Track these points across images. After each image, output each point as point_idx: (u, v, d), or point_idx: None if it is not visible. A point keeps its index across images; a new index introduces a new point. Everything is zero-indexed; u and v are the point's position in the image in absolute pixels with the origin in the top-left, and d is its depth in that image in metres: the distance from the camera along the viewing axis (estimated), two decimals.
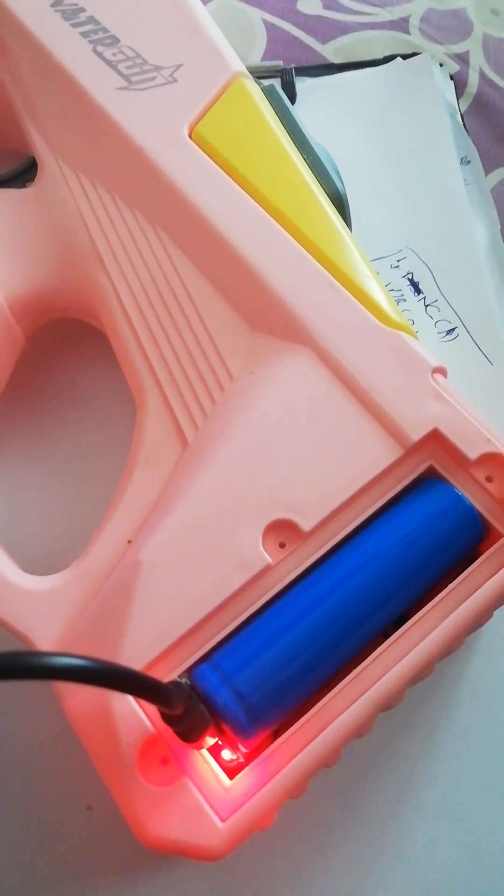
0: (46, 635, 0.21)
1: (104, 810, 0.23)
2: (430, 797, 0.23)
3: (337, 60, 0.38)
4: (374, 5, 0.40)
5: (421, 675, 0.20)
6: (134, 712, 0.19)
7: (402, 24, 0.39)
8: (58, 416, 0.27)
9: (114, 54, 0.26)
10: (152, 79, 0.26)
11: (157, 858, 0.23)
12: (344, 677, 0.19)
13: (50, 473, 0.27)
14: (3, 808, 0.24)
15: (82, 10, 0.27)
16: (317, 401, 0.21)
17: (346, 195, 0.25)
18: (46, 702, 0.24)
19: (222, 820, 0.18)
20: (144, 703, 0.19)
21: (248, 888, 0.22)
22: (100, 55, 0.26)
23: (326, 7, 0.40)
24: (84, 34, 0.27)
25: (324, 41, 0.39)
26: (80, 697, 0.19)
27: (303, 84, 0.36)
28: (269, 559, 0.20)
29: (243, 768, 0.19)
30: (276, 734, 0.19)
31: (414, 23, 0.39)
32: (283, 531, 0.20)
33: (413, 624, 0.19)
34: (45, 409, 0.27)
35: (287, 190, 0.24)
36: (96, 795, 0.23)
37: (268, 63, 0.37)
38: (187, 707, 0.17)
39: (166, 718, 0.17)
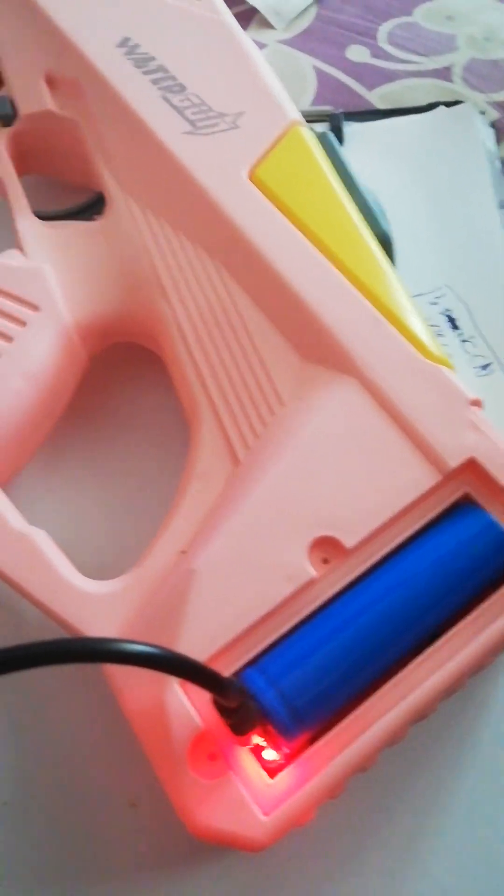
0: (104, 634, 0.22)
1: (147, 807, 0.24)
2: (458, 809, 0.24)
3: (383, 106, 0.40)
4: (419, 54, 0.42)
5: (453, 688, 0.21)
6: (186, 709, 0.20)
7: (445, 73, 0.41)
8: (115, 432, 0.29)
9: (181, 101, 0.29)
10: (216, 125, 0.28)
11: (197, 854, 0.24)
12: (380, 687, 0.21)
13: (106, 486, 0.28)
14: (47, 803, 0.25)
15: (153, 58, 0.30)
16: (361, 427, 0.23)
17: (391, 236, 0.27)
18: (92, 701, 0.26)
19: (265, 814, 0.19)
20: (196, 701, 0.20)
21: (285, 884, 0.23)
22: (168, 101, 0.29)
23: (374, 55, 0.42)
24: (154, 81, 0.29)
25: (370, 87, 0.41)
26: (136, 693, 0.21)
27: (350, 128, 0.38)
28: (313, 573, 0.22)
29: (283, 769, 0.20)
30: (313, 740, 0.21)
31: (457, 71, 0.41)
32: (326, 547, 0.22)
33: (447, 640, 0.21)
34: (105, 426, 0.29)
35: (338, 230, 0.26)
36: (140, 792, 0.25)
37: (318, 108, 0.39)
38: (241, 701, 0.18)
39: (221, 710, 0.19)
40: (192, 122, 0.28)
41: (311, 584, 0.22)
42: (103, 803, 0.25)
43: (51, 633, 0.25)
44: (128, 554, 0.25)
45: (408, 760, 0.24)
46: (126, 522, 0.28)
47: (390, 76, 0.41)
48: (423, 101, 0.39)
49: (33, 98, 0.30)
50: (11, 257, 0.27)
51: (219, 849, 0.22)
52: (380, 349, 0.24)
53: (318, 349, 0.24)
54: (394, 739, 0.20)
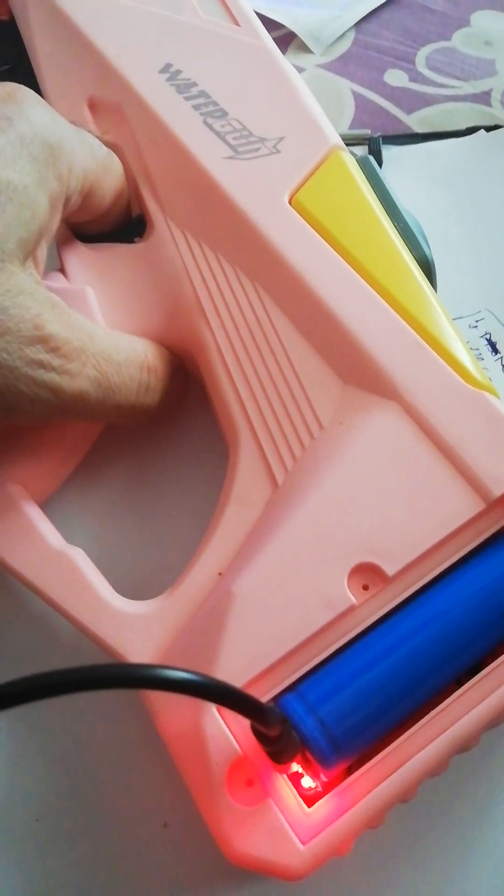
0: (140, 655, 0.22)
1: (179, 827, 0.24)
2: (500, 841, 0.23)
3: (421, 130, 0.40)
4: (458, 78, 0.42)
5: (497, 720, 0.21)
6: (224, 734, 0.20)
7: (484, 98, 0.41)
8: (153, 452, 0.29)
9: (222, 126, 0.29)
10: (257, 150, 0.28)
11: (229, 878, 0.24)
12: (420, 718, 0.20)
13: (143, 506, 0.29)
14: (80, 820, 0.25)
15: (195, 84, 0.30)
16: (403, 453, 0.23)
17: (433, 260, 0.27)
18: (126, 719, 0.26)
19: (303, 842, 0.19)
20: (233, 726, 0.20)
21: None
22: (209, 126, 0.29)
23: (412, 80, 0.42)
24: (195, 107, 0.29)
25: (409, 111, 0.41)
26: (173, 716, 0.21)
27: (388, 152, 0.38)
28: (353, 599, 0.21)
29: (321, 797, 0.20)
30: (350, 770, 0.21)
31: (496, 96, 0.41)
32: (367, 574, 0.22)
33: (491, 671, 0.21)
34: (143, 446, 0.29)
35: (379, 255, 0.26)
36: (172, 812, 0.25)
37: (356, 131, 0.39)
38: (282, 729, 0.18)
39: (260, 738, 0.19)
40: (233, 147, 0.28)
41: (350, 610, 0.21)
42: (136, 822, 0.25)
43: (85, 650, 0.25)
44: (163, 574, 0.25)
45: (449, 791, 0.24)
46: (162, 543, 0.28)
47: (428, 100, 0.41)
48: (462, 126, 0.39)
49: (76, 122, 0.30)
50: (54, 279, 0.28)
51: (253, 873, 0.22)
52: (422, 374, 0.24)
53: (359, 373, 0.24)
54: (436, 771, 0.20)
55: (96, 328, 0.25)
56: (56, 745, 0.26)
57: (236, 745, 0.20)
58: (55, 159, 0.24)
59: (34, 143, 0.24)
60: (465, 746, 0.20)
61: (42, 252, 0.25)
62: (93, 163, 0.26)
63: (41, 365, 0.22)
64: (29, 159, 0.23)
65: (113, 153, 0.29)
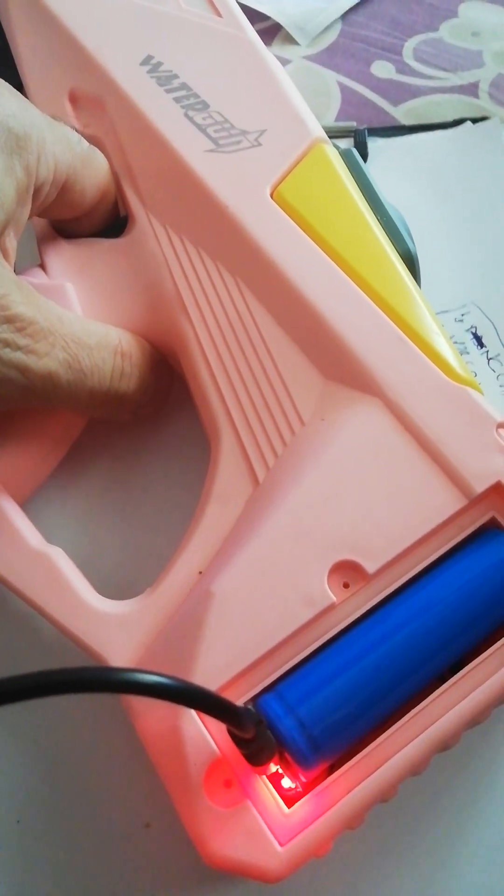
0: (120, 656, 0.22)
1: (161, 828, 0.24)
2: (481, 840, 0.23)
3: (408, 122, 0.39)
4: (445, 70, 0.41)
5: (477, 719, 0.21)
6: (202, 735, 0.20)
7: (471, 89, 0.41)
8: (134, 450, 0.29)
9: (203, 119, 0.29)
10: (238, 142, 0.28)
11: (211, 879, 0.24)
12: (401, 717, 0.20)
13: (124, 505, 0.28)
14: (61, 821, 0.25)
15: (176, 76, 0.30)
16: (384, 449, 0.23)
17: (416, 254, 0.27)
18: (107, 721, 0.25)
19: (281, 844, 0.19)
20: (212, 727, 0.20)
21: None
22: (191, 119, 0.29)
23: (399, 71, 0.42)
24: (177, 99, 0.29)
25: (395, 103, 0.40)
26: (152, 718, 0.21)
27: (374, 144, 0.38)
28: (333, 598, 0.21)
29: (300, 798, 0.20)
30: (331, 769, 0.20)
31: (483, 87, 0.40)
32: (347, 572, 0.22)
33: (472, 669, 0.20)
34: (123, 444, 0.29)
35: (361, 249, 0.26)
36: (154, 813, 0.24)
37: (342, 123, 0.39)
38: (258, 731, 0.18)
39: (236, 741, 0.18)
40: (214, 140, 0.28)
41: (330, 608, 0.21)
42: (118, 823, 0.25)
43: (66, 651, 0.25)
44: (145, 574, 0.25)
45: (429, 790, 0.23)
46: (143, 542, 0.28)
47: (415, 92, 0.41)
48: (449, 117, 0.39)
49: (56, 115, 0.30)
50: (34, 275, 0.27)
51: (235, 876, 0.22)
52: (404, 369, 0.23)
53: (341, 368, 0.24)
54: (416, 770, 0.20)
55: (67, 312, 0.25)
56: (37, 747, 0.25)
57: (214, 747, 0.20)
58: (21, 149, 0.24)
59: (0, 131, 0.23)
60: (445, 745, 0.20)
61: (10, 243, 0.24)
62: (68, 154, 0.26)
63: (7, 344, 0.22)
64: None
65: (97, 149, 0.28)
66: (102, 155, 0.29)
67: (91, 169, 0.27)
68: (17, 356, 0.23)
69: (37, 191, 0.25)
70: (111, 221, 0.29)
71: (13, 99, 0.24)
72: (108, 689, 0.15)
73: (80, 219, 0.28)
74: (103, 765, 0.25)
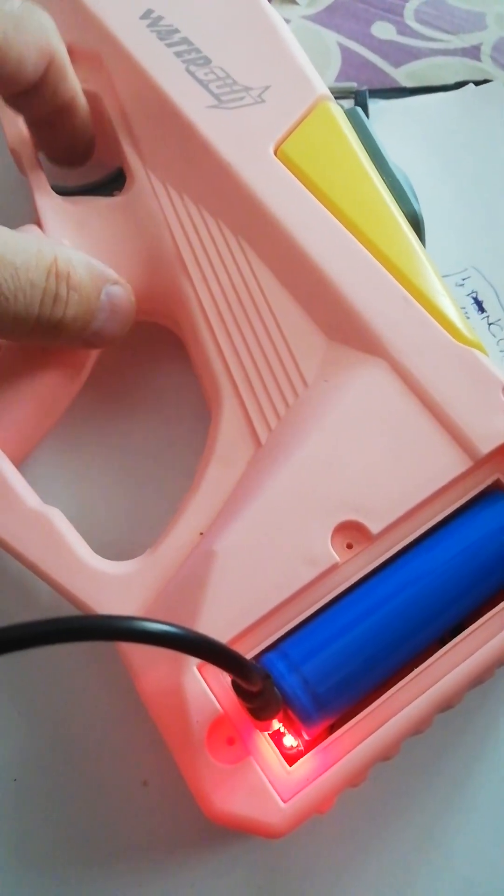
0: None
1: (159, 786, 0.24)
2: (482, 799, 0.24)
3: (409, 84, 0.39)
4: (447, 32, 0.41)
5: (481, 678, 0.21)
6: (204, 692, 0.20)
7: (473, 52, 0.40)
8: (132, 411, 0.29)
9: (205, 74, 0.28)
10: (241, 98, 0.27)
11: (209, 836, 0.24)
12: (403, 677, 0.20)
13: (123, 466, 0.28)
14: (59, 780, 0.25)
15: (177, 30, 0.29)
16: (389, 410, 0.22)
17: (422, 215, 0.26)
18: (104, 679, 0.25)
19: (284, 800, 0.19)
20: (214, 684, 0.20)
21: (302, 869, 0.23)
22: (192, 74, 0.28)
23: (400, 33, 0.41)
24: (178, 54, 0.28)
25: (396, 65, 0.40)
26: (153, 675, 0.21)
27: (375, 106, 0.37)
28: (336, 558, 0.21)
29: (302, 756, 0.20)
30: (332, 728, 0.20)
31: (486, 50, 0.40)
32: (351, 532, 0.22)
33: (475, 629, 0.20)
34: (122, 405, 0.29)
35: (366, 208, 0.25)
36: (152, 771, 0.24)
37: (342, 84, 0.38)
38: (264, 685, 0.18)
39: (242, 695, 0.18)
40: (216, 96, 0.27)
41: (334, 568, 0.21)
42: (115, 781, 0.25)
43: (64, 611, 0.25)
44: (143, 535, 0.25)
45: (431, 750, 0.24)
46: (142, 503, 0.27)
47: (417, 54, 0.40)
48: (451, 81, 0.38)
49: None
50: (30, 232, 0.27)
51: (233, 831, 0.22)
52: (410, 330, 0.23)
53: (345, 329, 0.24)
54: (418, 729, 0.20)
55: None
56: (33, 705, 0.25)
57: (217, 704, 0.20)
58: None
59: None
60: (448, 704, 0.20)
61: None
62: None
63: None
64: None
65: (35, 8, 0.25)
66: (46, 14, 0.25)
67: (26, 33, 0.24)
68: None
69: None
70: (88, 136, 0.28)
71: None
72: (116, 637, 0.14)
73: (56, 121, 0.27)
74: (100, 723, 0.25)
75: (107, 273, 0.25)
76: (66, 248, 0.24)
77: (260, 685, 0.18)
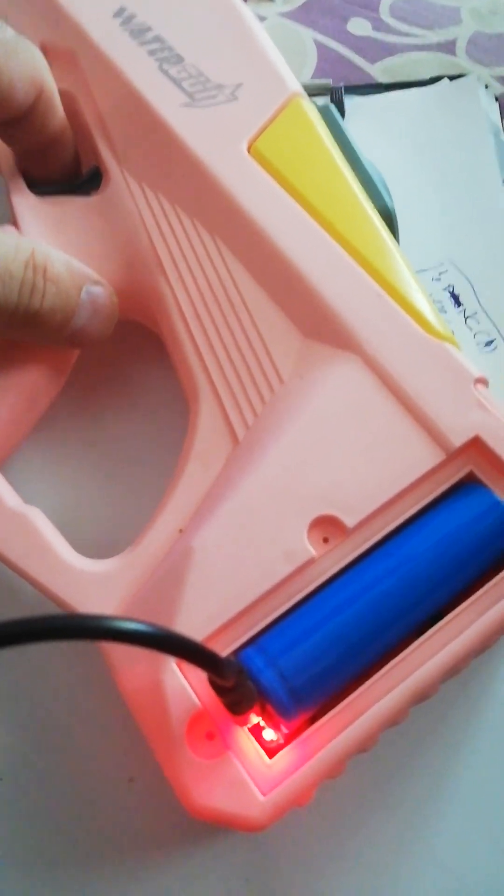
0: (100, 612, 0.22)
1: (145, 782, 0.24)
2: (461, 789, 0.24)
3: (385, 80, 0.39)
4: (422, 27, 0.41)
5: (456, 669, 0.21)
6: (183, 688, 0.20)
7: (448, 47, 0.40)
8: (113, 410, 0.29)
9: (178, 72, 0.28)
10: (214, 97, 0.27)
11: (196, 831, 0.24)
12: (381, 668, 0.20)
13: (103, 465, 0.28)
14: (43, 778, 0.25)
15: (149, 28, 0.29)
16: (363, 405, 0.23)
17: (394, 210, 0.27)
18: (88, 674, 0.26)
19: (264, 794, 0.19)
20: (193, 680, 0.20)
21: (284, 863, 0.23)
22: (165, 73, 0.28)
23: (375, 28, 0.41)
24: (151, 52, 0.28)
25: (372, 61, 0.40)
26: (133, 673, 0.21)
27: (351, 102, 0.37)
28: (313, 552, 0.21)
29: (282, 749, 0.20)
30: (312, 720, 0.21)
31: (461, 45, 0.40)
32: (327, 527, 0.22)
33: (450, 620, 0.21)
34: (102, 404, 0.29)
35: (339, 204, 0.25)
36: (137, 767, 0.25)
37: (318, 81, 0.38)
38: (238, 680, 0.18)
39: (217, 690, 0.18)
40: (189, 94, 0.28)
41: (310, 563, 0.21)
42: (101, 778, 0.25)
43: (47, 611, 0.25)
44: (124, 533, 0.25)
45: (410, 741, 0.24)
46: (123, 502, 0.27)
47: (392, 49, 0.40)
48: (426, 75, 0.39)
49: None
50: (6, 232, 0.27)
51: (218, 826, 0.22)
52: (382, 325, 0.23)
53: (320, 326, 0.24)
54: (395, 720, 0.20)
55: None
56: (15, 704, 0.25)
57: (196, 699, 0.20)
58: None
59: None
60: (424, 696, 0.21)
61: None
62: None
63: None
64: None
65: (26, 39, 0.26)
66: (36, 48, 0.26)
67: (16, 60, 0.24)
68: None
69: None
70: (77, 165, 0.29)
71: None
72: (91, 636, 0.15)
73: (45, 152, 0.27)
74: (84, 721, 0.25)
75: (87, 272, 0.25)
76: (43, 245, 0.25)
77: (233, 680, 0.18)
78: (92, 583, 0.23)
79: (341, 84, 0.38)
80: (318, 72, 0.40)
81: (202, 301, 0.25)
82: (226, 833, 0.24)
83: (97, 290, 0.25)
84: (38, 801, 0.25)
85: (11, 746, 0.25)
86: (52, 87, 0.26)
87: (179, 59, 0.28)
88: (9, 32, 0.25)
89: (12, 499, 0.24)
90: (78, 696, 0.26)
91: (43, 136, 0.27)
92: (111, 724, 0.25)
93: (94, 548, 0.24)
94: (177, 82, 0.28)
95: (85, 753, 0.25)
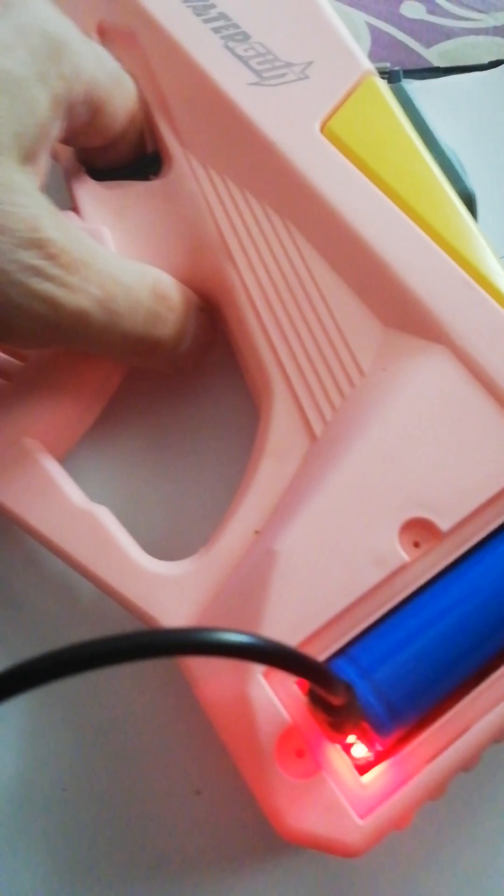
0: (175, 619, 0.21)
1: (212, 794, 0.23)
2: None
3: (442, 64, 0.37)
4: (478, 10, 0.39)
5: None
6: (272, 702, 0.19)
7: None
8: (175, 404, 0.27)
9: (245, 50, 0.27)
10: (283, 75, 0.26)
11: (271, 845, 0.23)
12: (481, 681, 0.19)
13: (165, 462, 0.27)
14: (108, 791, 0.24)
15: (213, 5, 0.28)
16: (454, 400, 0.21)
17: (475, 194, 0.25)
18: (152, 684, 0.24)
19: (361, 816, 0.18)
20: (281, 693, 0.19)
21: (368, 879, 0.22)
22: (231, 51, 0.27)
23: (430, 12, 0.39)
24: (215, 30, 0.27)
25: (428, 45, 0.38)
26: (215, 684, 0.19)
27: (409, 86, 0.35)
28: (406, 557, 0.20)
29: (373, 766, 0.19)
30: (403, 737, 0.19)
31: None
32: (418, 530, 0.20)
33: None
34: (164, 398, 0.28)
35: (420, 187, 0.24)
36: (204, 779, 0.23)
37: (376, 64, 0.36)
38: (348, 697, 0.17)
39: (322, 707, 0.17)
40: (257, 73, 0.26)
41: (402, 569, 0.20)
42: (166, 790, 0.24)
43: (107, 612, 0.24)
44: (190, 535, 0.24)
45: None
46: (187, 502, 0.26)
47: (448, 33, 0.39)
48: (485, 60, 0.37)
49: None
50: (68, 219, 0.26)
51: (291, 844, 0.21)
52: (471, 314, 0.22)
53: (403, 315, 0.23)
54: (501, 736, 0.19)
55: (101, 247, 0.23)
56: (78, 712, 0.24)
57: (285, 714, 0.19)
58: (58, 56, 0.22)
59: (34, 33, 0.21)
60: None
61: (42, 162, 0.22)
62: (102, 73, 0.24)
63: (37, 272, 0.20)
64: (27, 50, 0.21)
65: (124, 72, 0.26)
66: (130, 78, 0.27)
67: (122, 91, 0.25)
68: (47, 288, 0.21)
69: (70, 107, 0.23)
70: (137, 155, 0.27)
71: (49, 5, 0.23)
72: (194, 651, 0.13)
73: (108, 148, 0.26)
74: (148, 729, 0.24)
75: (195, 298, 0.25)
76: (158, 271, 0.24)
77: (344, 698, 0.16)
78: (166, 586, 0.21)
79: (399, 68, 0.36)
80: (373, 56, 0.38)
81: (273, 289, 0.24)
82: (296, 849, 0.23)
83: (203, 316, 0.25)
84: (102, 812, 0.23)
85: (75, 755, 0.24)
86: (139, 116, 0.27)
87: (245, 37, 0.27)
88: (115, 64, 0.26)
89: (78, 496, 0.23)
90: (140, 704, 0.24)
91: (108, 136, 0.26)
92: (176, 734, 0.24)
93: (158, 549, 0.23)
94: (244, 60, 0.26)
95: (149, 764, 0.24)
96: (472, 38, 0.39)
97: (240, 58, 0.26)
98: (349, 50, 0.27)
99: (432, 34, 0.39)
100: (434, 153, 0.25)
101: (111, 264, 0.23)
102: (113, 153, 0.27)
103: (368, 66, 0.27)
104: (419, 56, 0.38)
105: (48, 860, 0.23)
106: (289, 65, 0.26)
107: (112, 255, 0.23)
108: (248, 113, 0.25)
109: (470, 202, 0.25)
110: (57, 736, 0.24)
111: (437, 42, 0.39)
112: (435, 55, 0.38)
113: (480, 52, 0.38)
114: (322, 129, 0.25)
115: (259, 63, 0.26)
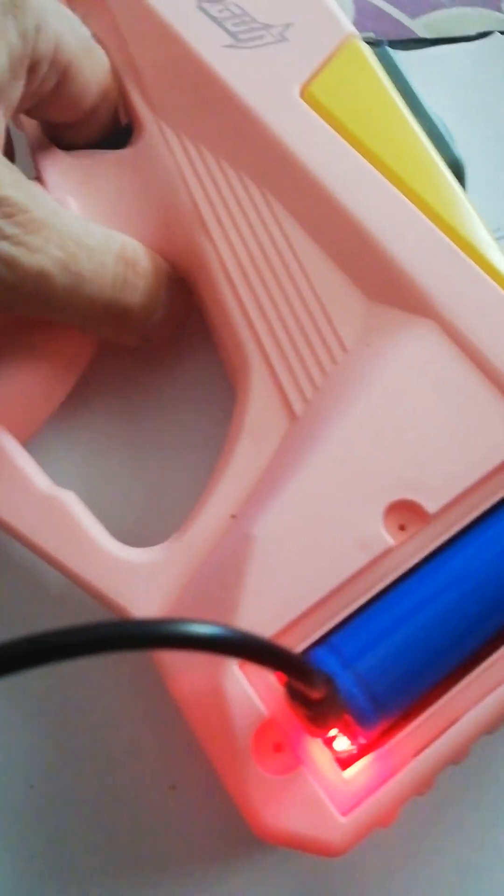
0: (146, 608, 0.20)
1: (187, 789, 0.22)
2: None
3: (428, 35, 0.36)
4: None
5: None
6: (248, 695, 0.18)
7: (493, 2, 0.38)
8: (146, 385, 0.26)
9: (219, 11, 0.25)
10: (261, 37, 0.25)
11: (244, 843, 0.22)
12: (468, 671, 0.18)
13: (137, 446, 0.26)
14: (81, 788, 0.23)
15: None
16: (442, 376, 0.20)
17: (463, 162, 0.24)
18: (124, 676, 0.23)
19: (343, 814, 0.17)
20: (258, 685, 0.18)
21: (346, 875, 0.21)
22: (205, 11, 0.25)
23: None
24: None
25: (413, 16, 0.37)
26: (188, 676, 0.18)
27: (395, 57, 0.34)
28: (390, 541, 0.19)
29: (355, 760, 0.18)
30: (387, 730, 0.18)
31: None
32: (404, 513, 0.19)
33: None
34: (135, 379, 0.26)
35: (405, 154, 0.23)
36: (179, 774, 0.22)
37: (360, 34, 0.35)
38: (328, 691, 0.16)
39: (300, 700, 0.16)
40: (233, 35, 0.25)
41: (387, 553, 0.19)
42: (140, 785, 0.23)
43: (77, 603, 0.23)
44: (162, 521, 0.23)
45: (494, 749, 0.22)
46: (159, 485, 0.25)
47: (434, 4, 0.38)
48: (472, 31, 0.36)
49: None
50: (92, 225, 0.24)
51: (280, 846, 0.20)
52: (460, 286, 0.21)
53: (388, 288, 0.22)
54: (491, 728, 0.18)
55: (64, 209, 0.22)
56: (45, 706, 0.23)
57: (262, 708, 0.18)
58: (18, 10, 0.20)
59: None
60: None
61: (1, 125, 0.21)
62: (71, 37, 0.23)
63: None
64: None
65: (97, 44, 0.25)
66: (103, 52, 0.25)
67: (93, 60, 0.24)
68: (4, 247, 0.20)
69: (33, 67, 0.21)
70: (111, 132, 0.26)
71: None
72: (163, 644, 0.12)
73: (79, 124, 0.25)
74: (120, 723, 0.23)
75: (167, 268, 0.24)
76: (126, 236, 0.23)
77: (324, 691, 0.15)
78: (136, 574, 0.20)
79: (384, 38, 0.35)
80: (357, 27, 0.36)
81: (251, 262, 0.23)
82: (273, 847, 0.22)
83: (176, 287, 0.24)
84: (74, 809, 0.22)
85: (43, 752, 0.23)
86: (114, 91, 0.25)
87: None
88: (86, 31, 0.24)
89: (42, 481, 0.22)
90: (113, 698, 0.23)
91: (80, 109, 0.24)
92: (149, 729, 0.23)
93: (129, 535, 0.22)
94: (218, 21, 0.25)
95: (122, 759, 0.23)
96: (457, 10, 0.38)
97: (214, 19, 0.25)
98: (331, 12, 0.25)
99: (418, 5, 0.38)
100: (420, 119, 0.24)
101: (74, 226, 0.22)
102: (86, 130, 0.25)
103: (351, 29, 0.25)
104: (404, 27, 0.37)
105: (18, 859, 0.22)
106: (266, 26, 0.25)
107: (76, 217, 0.22)
108: (224, 76, 0.24)
109: (458, 170, 0.24)
110: (24, 731, 0.23)
111: (423, 13, 0.37)
112: (421, 26, 0.37)
113: (467, 24, 0.37)
114: (302, 94, 0.24)
115: (235, 24, 0.25)
